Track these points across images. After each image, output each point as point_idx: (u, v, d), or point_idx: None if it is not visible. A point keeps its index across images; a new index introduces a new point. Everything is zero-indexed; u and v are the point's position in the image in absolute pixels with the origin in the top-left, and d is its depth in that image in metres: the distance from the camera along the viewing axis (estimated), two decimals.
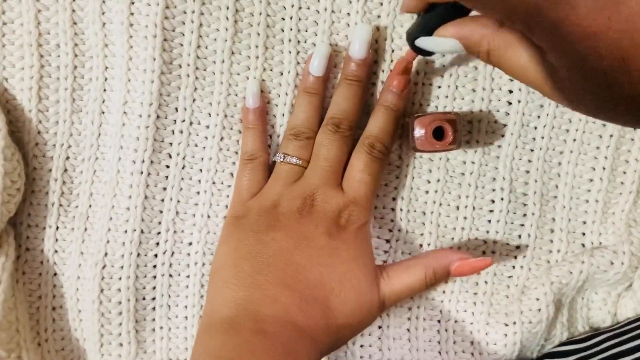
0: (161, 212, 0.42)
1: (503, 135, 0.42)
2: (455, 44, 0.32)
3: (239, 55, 0.41)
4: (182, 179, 0.42)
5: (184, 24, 0.40)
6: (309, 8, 0.41)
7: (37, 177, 0.43)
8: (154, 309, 0.43)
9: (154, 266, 0.43)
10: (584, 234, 0.43)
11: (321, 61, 0.40)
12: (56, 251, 0.44)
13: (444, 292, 0.44)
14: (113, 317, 0.43)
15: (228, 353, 0.33)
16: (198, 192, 0.42)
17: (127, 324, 0.43)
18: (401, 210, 0.43)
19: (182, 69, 0.40)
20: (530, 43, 0.27)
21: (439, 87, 0.41)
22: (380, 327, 0.45)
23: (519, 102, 0.41)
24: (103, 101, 0.42)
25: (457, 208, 0.43)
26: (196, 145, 0.42)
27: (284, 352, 0.34)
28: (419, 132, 0.39)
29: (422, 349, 0.44)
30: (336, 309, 0.37)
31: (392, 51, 0.41)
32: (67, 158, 0.43)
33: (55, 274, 0.44)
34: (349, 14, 0.41)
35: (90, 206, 0.43)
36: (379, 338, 0.45)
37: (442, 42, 0.33)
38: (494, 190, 0.43)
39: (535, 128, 0.42)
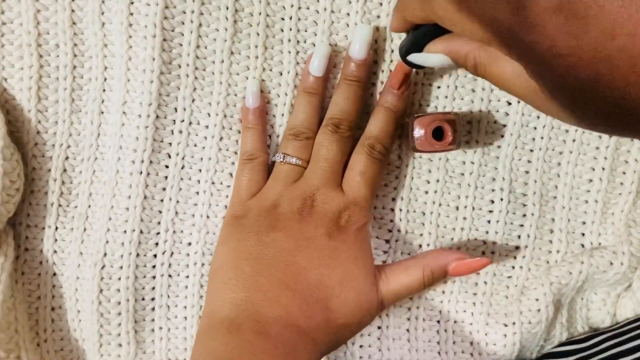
0: (160, 212, 0.42)
1: (502, 136, 0.42)
2: (444, 58, 0.33)
3: (238, 56, 0.41)
4: (182, 179, 0.42)
5: (183, 24, 0.40)
6: (308, 8, 0.41)
7: (36, 177, 0.42)
8: (153, 309, 0.43)
9: (154, 266, 0.43)
10: (583, 234, 0.43)
11: (321, 61, 0.40)
12: (55, 251, 0.44)
13: (443, 292, 0.44)
14: (112, 318, 0.43)
15: (229, 353, 0.33)
16: (197, 193, 0.42)
17: (127, 324, 0.43)
18: (400, 210, 0.43)
19: (182, 69, 0.40)
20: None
21: (439, 87, 0.41)
22: (379, 328, 0.45)
23: (519, 102, 0.41)
24: (102, 101, 0.42)
25: (457, 208, 0.43)
26: (195, 146, 0.42)
27: (285, 353, 0.34)
28: (418, 132, 0.39)
29: (421, 349, 0.44)
30: (336, 309, 0.37)
31: (392, 51, 0.41)
32: (67, 158, 0.42)
33: (54, 274, 0.44)
34: (348, 14, 0.40)
35: (89, 206, 0.43)
36: (379, 338, 0.45)
37: (433, 58, 0.34)
38: (493, 190, 0.43)
39: (535, 128, 0.42)
